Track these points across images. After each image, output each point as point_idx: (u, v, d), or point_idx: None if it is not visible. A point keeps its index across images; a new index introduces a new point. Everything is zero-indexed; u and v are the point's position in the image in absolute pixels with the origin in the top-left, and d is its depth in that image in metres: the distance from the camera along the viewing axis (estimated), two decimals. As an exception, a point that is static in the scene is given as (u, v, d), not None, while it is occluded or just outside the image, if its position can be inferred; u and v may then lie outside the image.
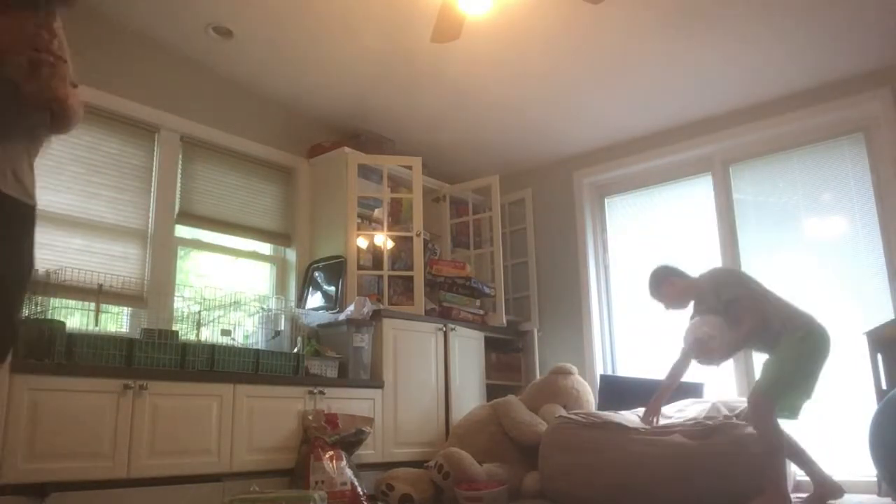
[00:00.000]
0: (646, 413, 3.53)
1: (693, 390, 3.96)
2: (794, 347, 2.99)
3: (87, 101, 3.46)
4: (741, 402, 3.59)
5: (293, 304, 4.28)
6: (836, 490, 3.08)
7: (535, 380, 4.55)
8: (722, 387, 4.20)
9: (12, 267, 1.45)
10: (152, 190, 3.80)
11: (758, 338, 3.12)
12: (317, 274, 4.37)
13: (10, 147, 1.46)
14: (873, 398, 3.29)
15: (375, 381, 3.91)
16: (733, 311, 3.09)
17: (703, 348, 3.16)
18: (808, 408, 3.12)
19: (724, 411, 3.48)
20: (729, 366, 4.26)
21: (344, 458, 3.38)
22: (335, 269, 4.27)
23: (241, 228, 4.22)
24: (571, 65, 3.96)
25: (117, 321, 3.54)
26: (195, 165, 4.04)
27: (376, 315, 4.02)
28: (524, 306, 5.23)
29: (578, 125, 4.72)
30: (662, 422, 3.50)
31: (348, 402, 3.69)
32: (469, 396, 4.45)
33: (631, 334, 4.84)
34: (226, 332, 3.68)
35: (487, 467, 3.65)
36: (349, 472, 3.34)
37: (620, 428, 3.41)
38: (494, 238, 5.02)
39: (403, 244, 4.68)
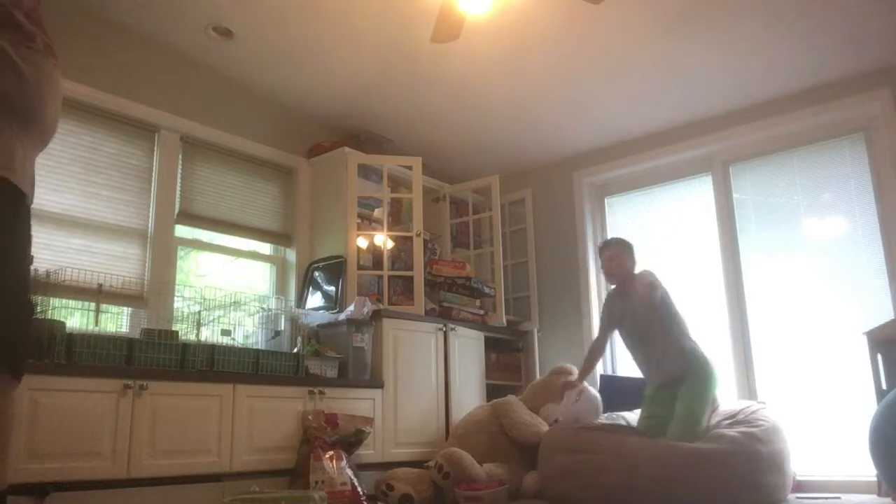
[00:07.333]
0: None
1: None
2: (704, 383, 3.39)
3: (87, 101, 3.51)
4: (741, 404, 3.60)
5: (293, 304, 4.28)
6: None
7: (535, 380, 4.55)
8: (721, 388, 4.19)
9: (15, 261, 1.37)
10: (152, 190, 3.79)
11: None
12: (317, 274, 4.37)
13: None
14: (873, 398, 3.30)
15: (375, 381, 3.91)
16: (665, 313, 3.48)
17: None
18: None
19: (723, 412, 3.49)
20: (729, 368, 4.28)
21: (344, 458, 3.37)
22: (335, 269, 4.27)
23: (241, 228, 4.22)
24: (571, 65, 3.96)
25: (117, 321, 3.54)
26: (195, 165, 4.03)
27: (376, 315, 4.02)
28: (524, 306, 5.23)
29: (578, 125, 4.72)
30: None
31: (348, 402, 3.69)
32: (469, 396, 4.45)
33: (631, 334, 4.83)
34: (226, 332, 3.68)
35: (487, 467, 3.64)
36: (349, 472, 3.34)
37: (619, 428, 3.41)
38: (494, 238, 5.02)
39: (403, 244, 4.68)
